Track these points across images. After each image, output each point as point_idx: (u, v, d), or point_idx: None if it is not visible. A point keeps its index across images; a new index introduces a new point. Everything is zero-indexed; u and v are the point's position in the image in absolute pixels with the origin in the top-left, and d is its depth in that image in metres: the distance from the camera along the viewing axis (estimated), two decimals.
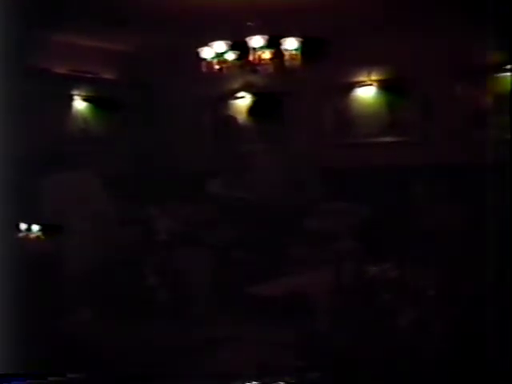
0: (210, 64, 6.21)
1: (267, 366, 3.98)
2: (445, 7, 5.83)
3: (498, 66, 6.33)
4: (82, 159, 6.58)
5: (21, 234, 4.91)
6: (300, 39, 6.05)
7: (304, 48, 6.08)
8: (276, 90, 7.51)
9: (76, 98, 7.70)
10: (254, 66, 6.11)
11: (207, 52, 6.18)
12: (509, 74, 6.31)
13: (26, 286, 3.56)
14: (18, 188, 3.47)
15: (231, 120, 8.10)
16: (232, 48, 6.16)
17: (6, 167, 3.38)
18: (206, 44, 6.15)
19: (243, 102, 8.13)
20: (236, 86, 8.03)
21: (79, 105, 7.74)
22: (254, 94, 8.02)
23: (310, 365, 4.00)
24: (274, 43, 6.06)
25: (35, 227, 5.11)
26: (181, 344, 4.45)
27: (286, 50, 6.06)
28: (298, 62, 6.09)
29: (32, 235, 5.08)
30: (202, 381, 3.95)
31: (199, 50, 6.17)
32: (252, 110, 7.87)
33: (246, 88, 8.01)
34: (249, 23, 5.92)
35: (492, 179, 4.42)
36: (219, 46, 6.13)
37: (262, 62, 6.06)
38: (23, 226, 5.00)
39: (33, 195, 5.18)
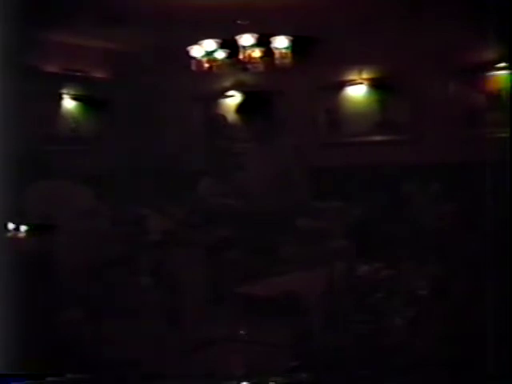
0: (199, 62, 6.19)
1: (258, 366, 3.96)
2: (437, 3, 5.82)
3: (496, 63, 6.30)
4: (72, 158, 6.55)
5: (15, 234, 4.87)
6: (290, 37, 6.04)
7: (294, 46, 6.07)
8: (266, 89, 7.48)
9: (65, 96, 7.66)
10: (244, 65, 6.10)
11: (197, 50, 6.16)
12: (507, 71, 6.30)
13: (24, 286, 3.55)
14: (7, 188, 3.44)
15: (221, 119, 8.08)
16: (222, 46, 6.15)
17: None
18: (195, 42, 6.13)
19: (233, 100, 8.10)
20: (226, 84, 7.99)
21: (69, 104, 7.70)
22: (244, 92, 7.99)
23: (302, 365, 3.98)
24: (264, 41, 6.05)
25: (24, 227, 5.07)
26: (172, 344, 4.42)
27: (277, 48, 6.05)
28: (288, 61, 6.08)
29: (23, 235, 5.04)
30: (197, 381, 3.94)
31: (189, 48, 6.15)
32: (242, 108, 7.84)
33: (236, 87, 7.98)
34: (239, 21, 5.90)
35: (489, 178, 4.42)
36: (209, 44, 6.11)
37: (252, 60, 6.06)
38: (11, 226, 4.95)
39: (22, 195, 5.15)
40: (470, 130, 6.48)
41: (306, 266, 5.07)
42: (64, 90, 7.58)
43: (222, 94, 8.10)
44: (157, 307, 5.00)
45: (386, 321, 4.19)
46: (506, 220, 3.96)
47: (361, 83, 7.35)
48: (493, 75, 6.41)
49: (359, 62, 7.22)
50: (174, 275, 5.32)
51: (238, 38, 5.94)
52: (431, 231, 5.63)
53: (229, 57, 6.23)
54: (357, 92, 7.38)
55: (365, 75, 7.32)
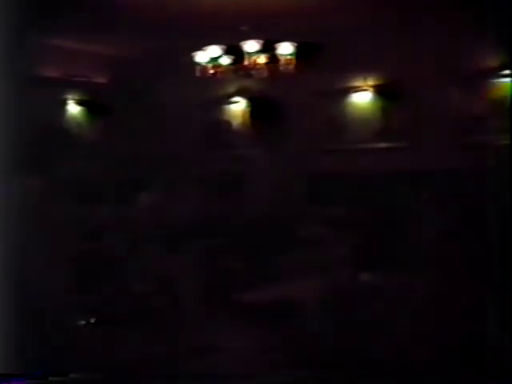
0: (204, 68, 6.18)
1: (255, 373, 3.97)
2: (444, 11, 5.81)
3: (497, 70, 6.29)
4: (77, 163, 6.57)
5: None
6: (295, 44, 6.03)
7: (299, 53, 6.06)
8: (271, 95, 7.48)
9: (69, 101, 7.69)
10: (249, 71, 6.09)
11: (202, 56, 6.15)
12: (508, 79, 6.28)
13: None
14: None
15: (226, 124, 8.09)
16: (227, 52, 6.14)
17: None
18: (200, 48, 6.12)
19: (238, 106, 8.11)
20: (230, 90, 8.00)
21: (72, 109, 7.73)
22: (248, 98, 7.99)
23: (299, 372, 3.99)
24: (269, 48, 6.04)
25: None
26: (168, 351, 4.42)
27: (281, 54, 6.04)
28: (292, 67, 6.07)
29: None
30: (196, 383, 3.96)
31: (194, 54, 6.15)
32: (247, 114, 7.86)
33: (241, 93, 7.99)
34: (243, 27, 5.90)
35: (491, 185, 4.42)
36: (214, 50, 6.10)
37: (257, 66, 6.04)
38: None
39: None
40: (474, 137, 6.45)
41: (306, 273, 5.07)
42: (67, 96, 7.63)
43: (227, 99, 8.11)
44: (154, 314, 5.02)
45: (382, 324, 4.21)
46: (506, 226, 3.97)
47: (366, 90, 7.33)
48: (495, 82, 6.40)
49: (364, 69, 7.21)
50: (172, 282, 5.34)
51: (242, 44, 5.93)
52: (434, 239, 5.62)
53: (234, 63, 6.22)
54: (361, 98, 7.37)
55: (370, 82, 7.31)
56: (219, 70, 6.19)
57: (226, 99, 8.10)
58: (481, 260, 4.21)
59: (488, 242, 4.34)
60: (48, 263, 4.89)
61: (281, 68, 6.09)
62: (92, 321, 5.48)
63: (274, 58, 6.08)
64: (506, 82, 6.27)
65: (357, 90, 7.37)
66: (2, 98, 3.40)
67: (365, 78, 7.31)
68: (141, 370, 4.08)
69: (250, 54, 5.95)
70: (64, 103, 7.62)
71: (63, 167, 6.31)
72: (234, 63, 6.20)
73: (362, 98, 7.36)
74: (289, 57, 6.04)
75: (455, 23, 5.97)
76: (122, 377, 3.91)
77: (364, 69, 7.18)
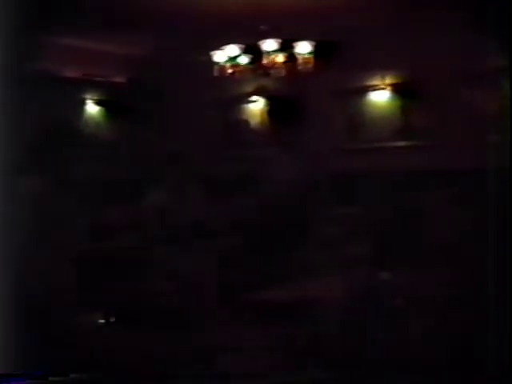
0: (222, 68, 6.20)
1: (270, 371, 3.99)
2: (457, 11, 5.79)
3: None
4: (97, 163, 6.61)
5: None
6: (313, 43, 6.03)
7: (317, 52, 6.06)
8: (289, 94, 7.49)
9: (87, 101, 7.74)
10: (267, 70, 6.09)
11: (220, 56, 6.16)
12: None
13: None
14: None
15: (244, 124, 8.11)
16: (245, 52, 6.15)
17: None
18: (218, 48, 6.13)
19: (256, 105, 8.12)
20: (249, 89, 8.01)
21: (91, 108, 7.78)
22: (267, 97, 8.00)
23: (315, 371, 4.00)
24: (287, 47, 6.04)
25: None
26: (183, 350, 4.44)
27: (299, 53, 6.04)
28: (311, 66, 6.07)
29: None
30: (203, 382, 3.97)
31: (212, 53, 6.16)
32: (265, 113, 7.87)
33: (259, 92, 7.99)
34: (262, 27, 5.91)
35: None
36: (232, 49, 6.11)
37: (275, 65, 6.04)
38: None
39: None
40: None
41: (324, 271, 5.07)
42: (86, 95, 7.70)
43: (245, 99, 8.12)
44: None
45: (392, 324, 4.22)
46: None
47: (383, 88, 7.32)
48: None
49: (382, 68, 7.19)
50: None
51: (261, 43, 5.94)
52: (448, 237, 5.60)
53: (252, 62, 6.23)
54: (380, 97, 7.36)
55: (388, 81, 7.29)
56: (237, 69, 6.20)
57: (245, 98, 8.12)
58: (483, 262, 4.19)
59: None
60: (51, 262, 4.95)
61: (299, 67, 6.09)
62: (112, 319, 5.54)
63: (292, 57, 6.08)
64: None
65: (375, 88, 7.36)
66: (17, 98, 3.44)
67: (383, 77, 7.30)
68: (142, 370, 4.09)
69: (268, 53, 5.96)
70: (82, 103, 7.69)
71: (81, 167, 6.36)
72: (252, 62, 6.21)
73: (380, 97, 7.35)
74: (307, 56, 6.03)
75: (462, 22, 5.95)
76: (124, 377, 3.93)
77: (382, 67, 7.17)
